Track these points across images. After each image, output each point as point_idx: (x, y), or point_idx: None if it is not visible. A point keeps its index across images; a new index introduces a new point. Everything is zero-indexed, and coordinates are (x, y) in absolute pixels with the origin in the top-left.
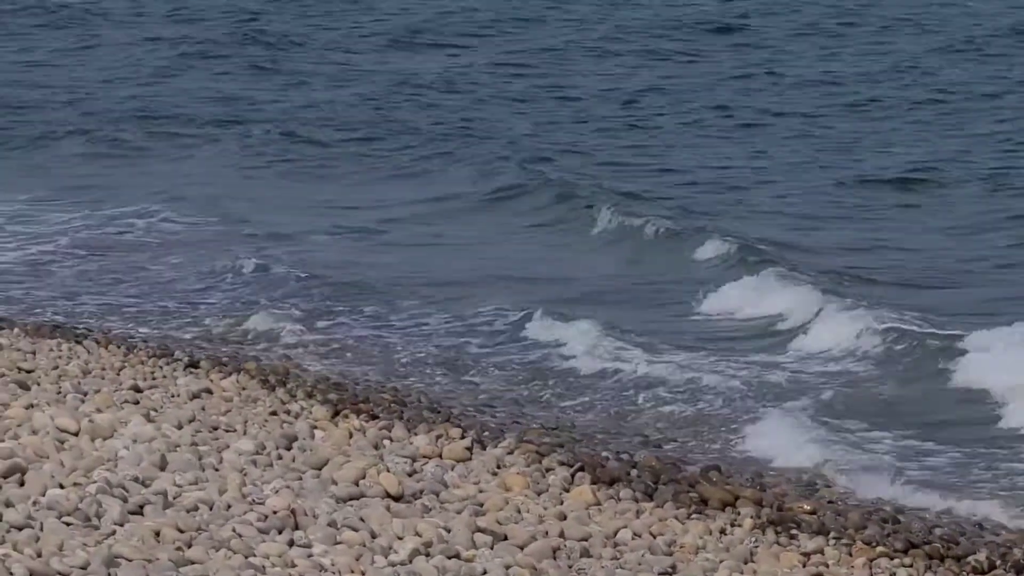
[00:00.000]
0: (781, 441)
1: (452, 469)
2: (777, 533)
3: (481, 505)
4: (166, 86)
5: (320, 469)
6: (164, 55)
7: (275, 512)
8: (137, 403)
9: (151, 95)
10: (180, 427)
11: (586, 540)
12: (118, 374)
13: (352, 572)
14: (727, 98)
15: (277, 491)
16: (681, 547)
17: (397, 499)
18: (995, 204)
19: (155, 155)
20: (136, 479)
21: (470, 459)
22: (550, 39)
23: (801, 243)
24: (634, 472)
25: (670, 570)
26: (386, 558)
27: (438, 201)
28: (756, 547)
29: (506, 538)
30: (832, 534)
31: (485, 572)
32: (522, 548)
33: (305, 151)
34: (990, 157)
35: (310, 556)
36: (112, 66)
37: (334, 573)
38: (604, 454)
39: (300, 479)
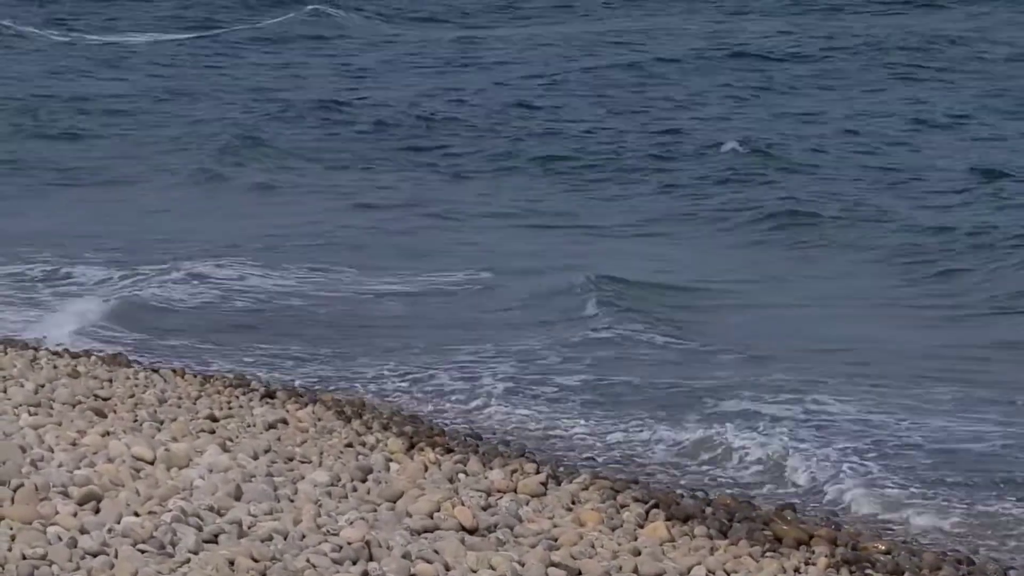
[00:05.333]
0: None
1: (527, 504)
2: (851, 573)
3: (555, 540)
4: None
5: (395, 501)
6: None
7: (349, 543)
8: (213, 432)
9: None
10: (256, 457)
11: None
12: (194, 403)
13: None
14: None
15: (352, 522)
16: None
17: (471, 532)
18: None
19: None
20: (211, 508)
21: (544, 494)
22: None
23: None
24: (708, 509)
25: None
26: None
27: None
28: None
29: (580, 573)
30: (906, 574)
31: None
32: None
33: None
34: None
35: None
36: None
37: None
38: (679, 491)
39: (375, 511)
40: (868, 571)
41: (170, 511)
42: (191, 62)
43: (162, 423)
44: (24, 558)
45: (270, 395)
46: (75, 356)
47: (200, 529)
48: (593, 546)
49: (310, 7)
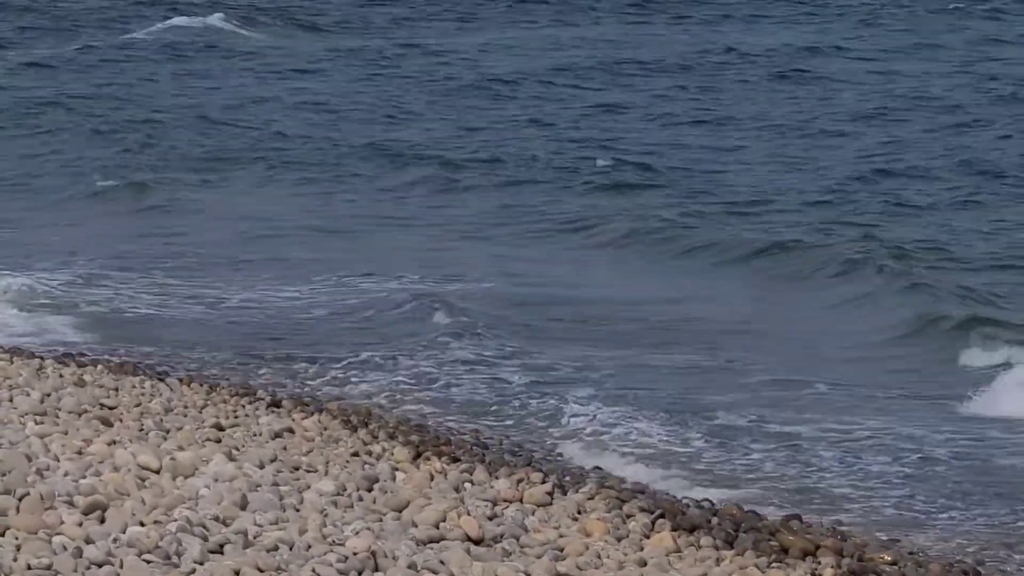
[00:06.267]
0: None
1: (532, 513)
2: None
3: (561, 550)
4: None
5: (401, 511)
6: None
7: (355, 553)
8: (219, 441)
9: None
10: (261, 466)
11: None
12: (200, 412)
13: None
14: None
15: (357, 532)
16: None
17: (477, 542)
18: None
19: None
20: (217, 518)
21: (551, 504)
22: None
23: None
24: (715, 520)
25: None
26: None
27: None
28: None
29: None
30: None
31: None
32: None
33: None
34: None
35: None
36: None
37: None
38: (685, 501)
39: (381, 521)
40: None
41: (176, 521)
42: (63, 74)
43: (168, 432)
44: (29, 568)
45: (276, 404)
46: (81, 365)
47: (206, 539)
48: (599, 556)
49: (193, 17)
